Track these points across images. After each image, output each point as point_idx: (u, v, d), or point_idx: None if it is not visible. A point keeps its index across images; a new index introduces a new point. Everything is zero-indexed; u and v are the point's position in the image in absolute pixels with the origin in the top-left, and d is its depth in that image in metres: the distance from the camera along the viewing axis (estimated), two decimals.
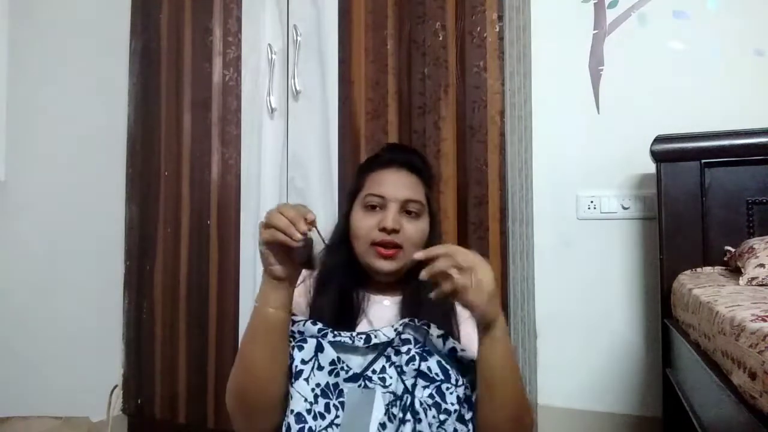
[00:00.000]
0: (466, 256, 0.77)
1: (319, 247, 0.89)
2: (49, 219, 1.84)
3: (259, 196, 1.69)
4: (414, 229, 0.96)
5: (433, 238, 0.99)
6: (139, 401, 1.83)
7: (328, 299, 0.96)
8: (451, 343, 0.89)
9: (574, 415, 1.76)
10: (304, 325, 0.89)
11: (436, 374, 0.85)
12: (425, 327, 0.89)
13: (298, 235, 0.77)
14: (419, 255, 0.79)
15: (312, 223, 0.80)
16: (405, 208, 0.96)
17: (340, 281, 0.97)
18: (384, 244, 0.94)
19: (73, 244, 1.84)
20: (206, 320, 1.74)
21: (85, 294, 1.84)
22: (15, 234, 1.82)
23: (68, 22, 1.90)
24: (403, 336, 0.88)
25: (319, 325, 0.88)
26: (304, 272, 0.91)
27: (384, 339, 0.87)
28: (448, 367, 0.86)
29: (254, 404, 0.85)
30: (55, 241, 1.83)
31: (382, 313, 0.97)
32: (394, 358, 0.87)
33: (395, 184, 0.97)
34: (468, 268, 0.76)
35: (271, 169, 1.68)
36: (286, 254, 0.80)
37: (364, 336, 0.88)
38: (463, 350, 0.89)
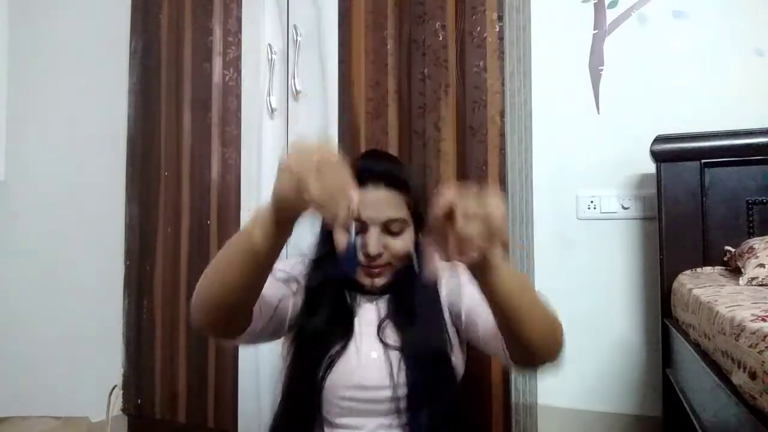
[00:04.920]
0: (478, 204, 0.62)
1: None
2: (49, 219, 1.84)
3: (259, 196, 1.68)
4: (399, 244, 0.95)
5: (421, 243, 0.97)
6: (139, 401, 1.83)
7: (322, 314, 0.96)
8: None
9: (574, 415, 1.76)
10: None
11: None
12: None
13: (341, 216, 0.64)
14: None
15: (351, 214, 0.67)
16: (387, 227, 0.94)
17: (332, 292, 0.98)
18: (370, 266, 0.95)
19: (73, 244, 1.84)
20: None
21: (86, 294, 1.84)
22: (15, 234, 1.82)
23: (68, 22, 1.91)
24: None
25: None
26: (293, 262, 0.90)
27: None
28: None
29: (223, 315, 0.82)
30: (55, 241, 1.83)
31: (370, 314, 0.99)
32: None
33: (373, 206, 0.93)
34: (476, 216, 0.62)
35: (271, 169, 1.68)
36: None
37: None
38: None
